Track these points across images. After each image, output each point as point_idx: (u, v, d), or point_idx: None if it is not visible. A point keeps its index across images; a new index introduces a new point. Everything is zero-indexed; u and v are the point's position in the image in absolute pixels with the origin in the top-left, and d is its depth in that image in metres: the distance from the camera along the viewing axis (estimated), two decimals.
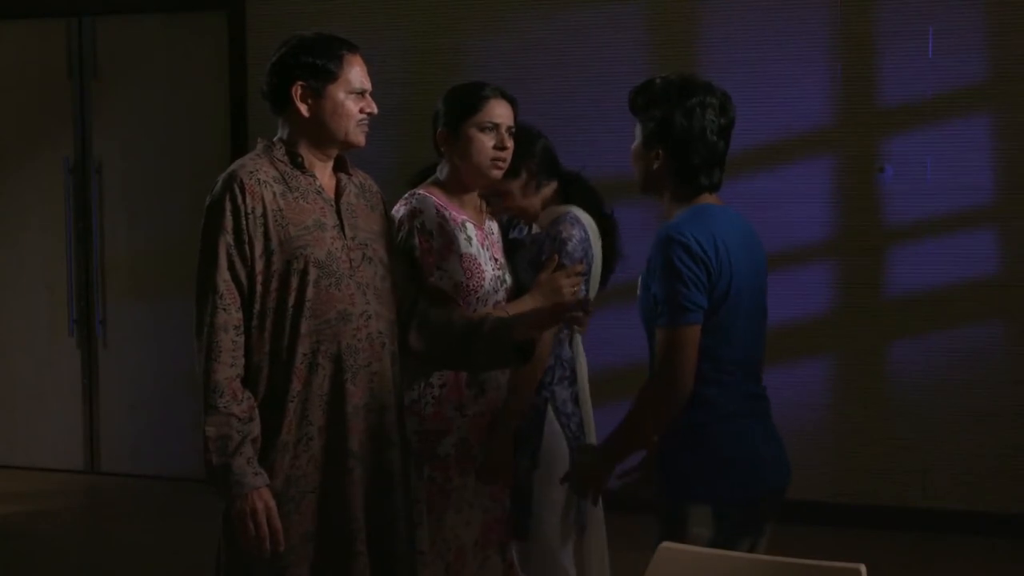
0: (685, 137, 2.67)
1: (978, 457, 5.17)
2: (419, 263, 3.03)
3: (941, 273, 5.17)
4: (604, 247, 3.35)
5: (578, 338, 3.35)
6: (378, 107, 2.90)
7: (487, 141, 3.09)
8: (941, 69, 5.13)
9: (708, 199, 2.73)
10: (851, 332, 5.30)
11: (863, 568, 2.16)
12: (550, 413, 3.21)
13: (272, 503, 2.66)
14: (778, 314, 5.11)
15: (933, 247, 5.18)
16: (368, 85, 2.85)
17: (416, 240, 3.04)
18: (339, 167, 2.89)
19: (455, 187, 3.15)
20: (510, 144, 3.12)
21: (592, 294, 3.31)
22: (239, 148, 5.82)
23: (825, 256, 5.33)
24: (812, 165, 5.31)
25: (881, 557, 4.55)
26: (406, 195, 3.15)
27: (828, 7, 5.24)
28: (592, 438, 3.33)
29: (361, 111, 2.82)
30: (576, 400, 3.30)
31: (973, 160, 5.13)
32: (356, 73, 2.82)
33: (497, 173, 3.12)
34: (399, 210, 3.11)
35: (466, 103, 3.12)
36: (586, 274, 3.23)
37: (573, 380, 3.30)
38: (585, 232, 3.22)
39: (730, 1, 5.35)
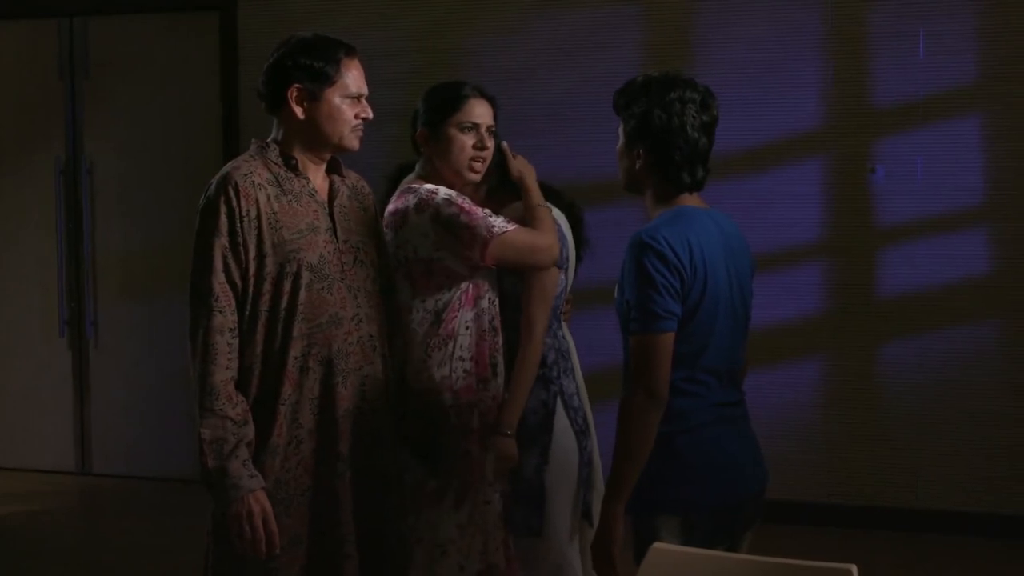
0: (665, 133, 2.62)
1: (970, 458, 5.17)
2: (473, 223, 2.99)
3: (933, 273, 5.17)
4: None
5: (567, 329, 3.36)
6: (376, 107, 2.89)
7: (467, 141, 3.10)
8: (932, 70, 5.14)
9: (689, 200, 2.69)
10: (843, 333, 5.31)
11: (855, 568, 2.16)
12: (560, 408, 3.21)
13: (268, 506, 2.65)
14: (771, 315, 5.20)
15: (925, 248, 5.19)
16: (364, 90, 2.84)
17: (455, 207, 3.00)
18: (332, 169, 2.88)
19: (436, 183, 3.14)
20: (490, 144, 3.12)
21: (569, 284, 3.32)
22: (231, 148, 5.81)
23: (817, 257, 5.33)
24: (805, 166, 5.32)
25: (873, 558, 4.57)
26: (402, 191, 3.14)
27: (821, 9, 5.25)
28: (592, 432, 3.32)
29: (356, 116, 2.81)
30: (578, 393, 3.31)
31: (964, 161, 5.14)
32: (353, 77, 2.81)
33: (474, 176, 3.12)
34: (399, 206, 3.08)
35: (446, 102, 3.12)
36: (564, 265, 3.24)
37: (573, 372, 3.31)
38: (556, 222, 3.23)
39: (726, 3, 5.35)
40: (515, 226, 3.04)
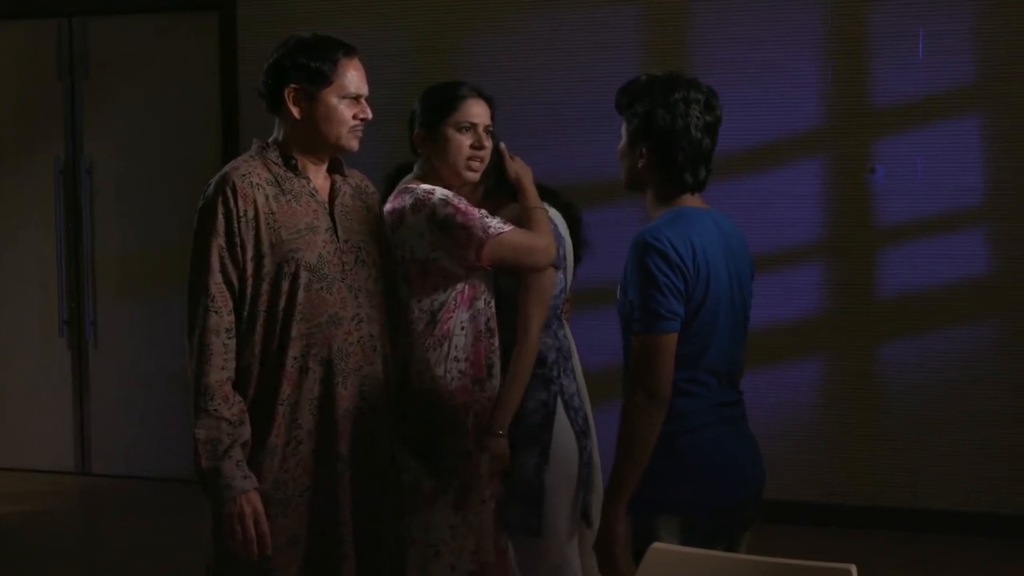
0: (668, 133, 2.62)
1: (970, 458, 5.17)
2: (469, 223, 2.99)
3: (933, 273, 5.17)
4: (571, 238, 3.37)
5: (567, 328, 3.36)
6: (376, 107, 2.88)
7: (464, 141, 3.10)
8: (932, 70, 5.14)
9: (691, 201, 2.69)
10: (843, 333, 5.31)
11: (854, 568, 2.16)
12: (560, 408, 3.21)
13: (260, 507, 2.65)
14: (770, 315, 5.20)
15: (925, 248, 5.19)
16: (364, 90, 2.83)
17: (451, 208, 3.00)
18: (333, 169, 2.88)
19: (434, 183, 3.14)
20: (488, 144, 3.13)
21: (568, 284, 3.32)
22: (230, 148, 5.81)
23: (817, 257, 5.33)
24: (804, 166, 5.32)
25: (873, 558, 4.57)
26: (400, 191, 3.13)
27: (821, 9, 5.25)
28: (593, 432, 3.33)
29: (355, 116, 2.80)
30: (579, 393, 3.31)
31: (964, 161, 5.14)
32: (352, 77, 2.80)
33: (471, 175, 3.12)
34: (396, 206, 3.08)
35: (443, 102, 3.13)
36: (561, 265, 3.24)
37: (574, 372, 3.31)
38: (553, 223, 3.23)
39: (725, 3, 5.35)
40: (511, 227, 3.04)
